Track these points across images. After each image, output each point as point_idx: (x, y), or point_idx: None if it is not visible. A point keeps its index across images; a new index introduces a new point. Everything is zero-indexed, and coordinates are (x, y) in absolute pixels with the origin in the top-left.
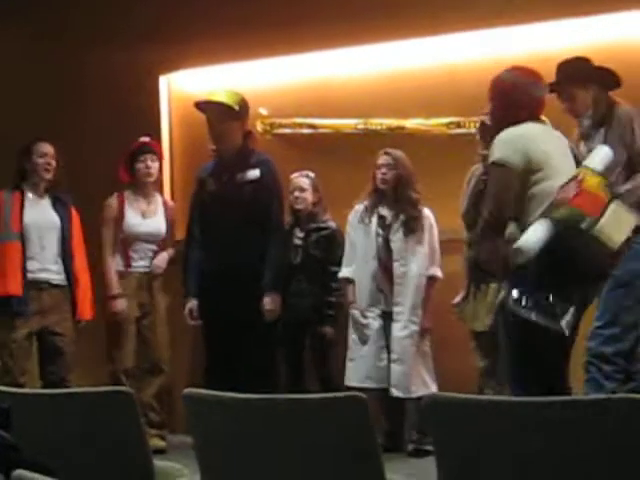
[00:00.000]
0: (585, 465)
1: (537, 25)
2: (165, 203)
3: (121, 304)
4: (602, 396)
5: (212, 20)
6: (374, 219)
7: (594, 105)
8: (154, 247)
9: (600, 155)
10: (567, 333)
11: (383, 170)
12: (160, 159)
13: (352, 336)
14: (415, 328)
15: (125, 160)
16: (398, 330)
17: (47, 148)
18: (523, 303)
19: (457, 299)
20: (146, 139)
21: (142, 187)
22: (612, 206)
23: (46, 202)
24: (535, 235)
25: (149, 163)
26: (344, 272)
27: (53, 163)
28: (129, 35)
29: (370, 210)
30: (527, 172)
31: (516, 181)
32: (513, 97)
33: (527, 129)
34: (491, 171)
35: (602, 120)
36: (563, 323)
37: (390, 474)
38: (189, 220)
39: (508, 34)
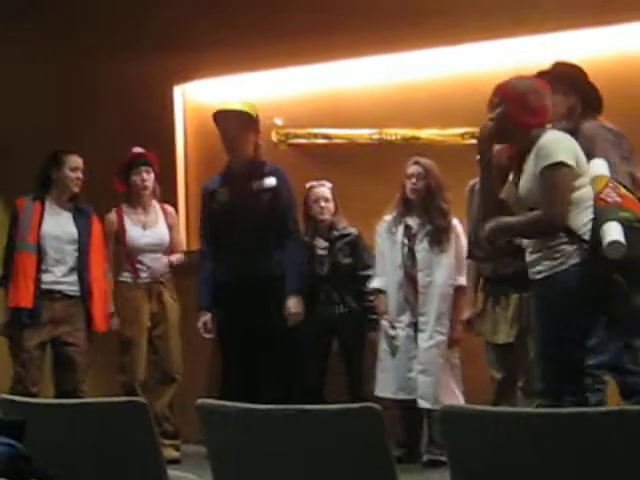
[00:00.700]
0: (601, 477)
1: (554, 35)
2: (164, 210)
3: (115, 323)
4: (617, 408)
5: (227, 30)
6: (400, 228)
7: (567, 114)
8: (160, 256)
9: (603, 166)
10: None
11: (413, 180)
12: (155, 170)
13: (383, 346)
14: (441, 338)
15: (120, 171)
16: (424, 341)
17: (79, 161)
18: None
19: (467, 315)
20: (140, 150)
21: (139, 198)
22: None
23: (67, 214)
24: (619, 230)
25: (144, 176)
26: (375, 282)
27: (81, 176)
28: (143, 44)
29: (397, 220)
30: (574, 176)
31: (571, 183)
32: (528, 102)
33: (567, 135)
34: (553, 172)
35: (571, 134)
36: None
37: None
38: (201, 233)
39: (525, 44)
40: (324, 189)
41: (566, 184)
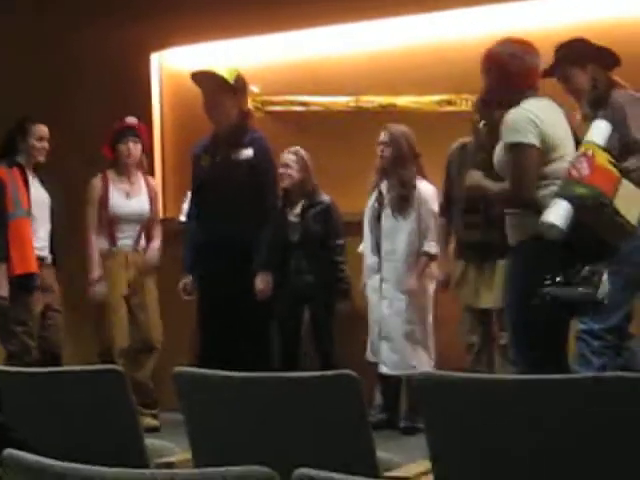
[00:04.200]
0: (575, 442)
1: (530, 2)
2: (147, 181)
3: (101, 287)
4: (591, 374)
5: None
6: (374, 195)
7: (592, 85)
8: (138, 226)
9: (600, 129)
10: (606, 301)
11: (380, 147)
12: (144, 141)
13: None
14: (402, 304)
15: (109, 138)
16: (385, 307)
17: (45, 131)
18: (561, 280)
19: (441, 276)
20: (132, 121)
21: (124, 167)
22: (624, 182)
23: (37, 181)
24: (562, 211)
25: (130, 145)
26: (360, 247)
27: (47, 146)
28: (120, 11)
29: (374, 186)
30: (541, 152)
31: (537, 160)
32: (510, 68)
33: (537, 107)
34: (516, 151)
35: (599, 102)
36: (600, 292)
37: (382, 451)
38: (190, 196)
39: (501, 11)
40: (288, 155)
41: (529, 162)
